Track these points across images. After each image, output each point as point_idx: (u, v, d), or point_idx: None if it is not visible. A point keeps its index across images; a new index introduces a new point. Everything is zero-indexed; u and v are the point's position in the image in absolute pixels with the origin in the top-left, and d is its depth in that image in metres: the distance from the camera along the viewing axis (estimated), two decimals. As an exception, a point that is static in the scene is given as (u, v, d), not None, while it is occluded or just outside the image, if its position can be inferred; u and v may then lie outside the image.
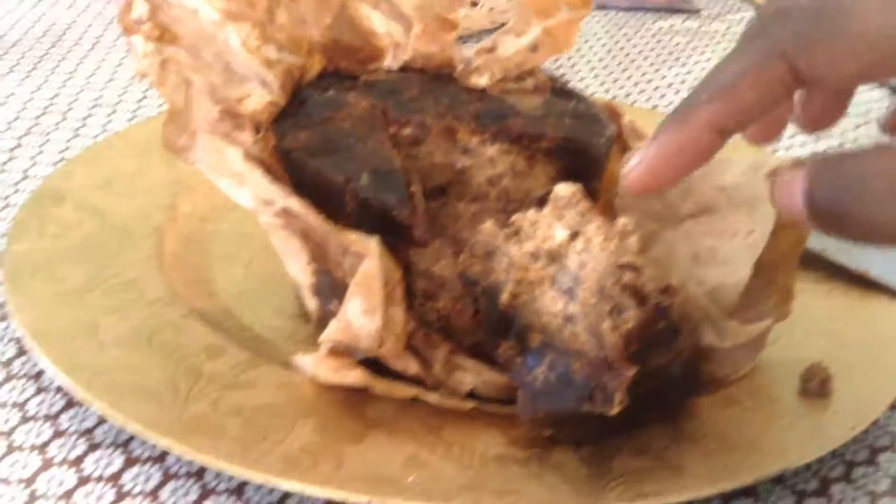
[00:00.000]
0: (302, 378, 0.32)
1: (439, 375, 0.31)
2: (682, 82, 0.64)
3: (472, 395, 0.32)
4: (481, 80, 0.38)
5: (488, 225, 0.31)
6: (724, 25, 0.75)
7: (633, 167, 0.26)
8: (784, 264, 0.35)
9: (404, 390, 0.31)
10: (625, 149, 0.38)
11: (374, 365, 0.31)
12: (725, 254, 0.35)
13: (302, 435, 0.29)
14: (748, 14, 0.77)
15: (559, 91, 0.38)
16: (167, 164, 0.43)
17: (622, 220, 0.30)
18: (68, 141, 0.48)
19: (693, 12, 0.77)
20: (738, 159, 0.36)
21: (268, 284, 0.38)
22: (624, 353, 0.28)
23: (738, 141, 0.52)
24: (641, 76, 0.65)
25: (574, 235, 0.30)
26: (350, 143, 0.33)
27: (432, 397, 0.31)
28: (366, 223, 0.31)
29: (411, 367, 0.31)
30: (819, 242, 0.42)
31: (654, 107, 0.60)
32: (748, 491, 0.31)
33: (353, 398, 0.31)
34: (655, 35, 0.73)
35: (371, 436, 0.30)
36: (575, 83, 0.63)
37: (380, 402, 0.31)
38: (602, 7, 0.77)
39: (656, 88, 0.63)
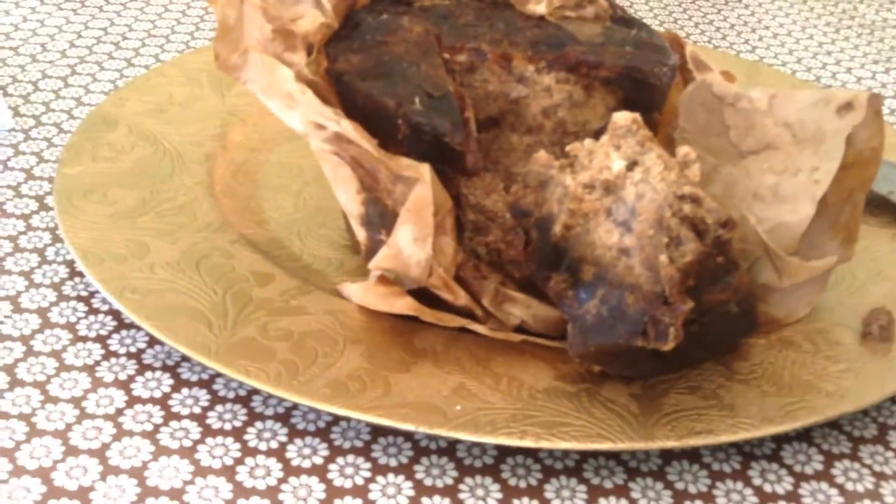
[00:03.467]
0: (350, 306, 0.32)
1: (488, 307, 0.31)
2: (745, 24, 0.62)
3: (520, 328, 0.31)
4: (539, 7, 0.36)
5: (542, 154, 0.31)
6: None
7: None
8: (849, 204, 0.34)
9: (453, 319, 0.30)
10: (687, 80, 0.37)
11: (422, 294, 0.31)
12: (787, 191, 0.33)
13: (350, 361, 0.29)
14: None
15: (620, 19, 0.37)
16: (218, 94, 0.43)
17: (683, 149, 0.29)
18: (121, 70, 0.48)
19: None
20: (804, 94, 0.35)
21: (316, 215, 0.37)
22: (681, 286, 0.28)
23: (795, 84, 0.50)
24: (703, 16, 0.63)
25: (632, 165, 0.29)
26: (403, 67, 0.32)
27: (481, 328, 0.30)
28: (418, 149, 0.30)
29: (460, 297, 0.31)
30: (886, 185, 0.40)
31: (715, 48, 0.58)
32: (802, 435, 0.30)
33: (401, 327, 0.31)
34: (718, -25, 0.70)
35: (418, 364, 0.29)
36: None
37: (427, 331, 0.31)
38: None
39: (718, 29, 0.61)
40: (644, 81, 0.34)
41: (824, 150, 0.33)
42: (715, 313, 0.29)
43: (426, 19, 0.35)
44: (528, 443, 0.27)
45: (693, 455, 0.29)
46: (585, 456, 0.29)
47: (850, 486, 0.29)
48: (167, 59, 0.49)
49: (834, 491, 0.29)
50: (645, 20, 0.61)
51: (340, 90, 0.32)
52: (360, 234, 0.34)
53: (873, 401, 0.29)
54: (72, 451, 0.28)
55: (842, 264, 0.34)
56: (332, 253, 0.36)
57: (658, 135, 0.36)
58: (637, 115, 0.29)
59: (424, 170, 0.29)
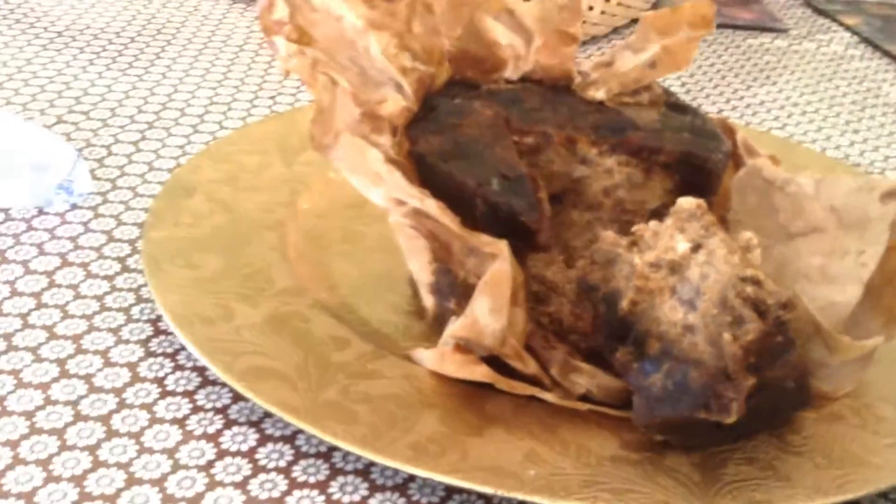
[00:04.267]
0: (423, 371, 0.33)
1: (556, 376, 0.33)
2: (774, 101, 0.65)
3: (585, 398, 0.33)
4: (598, 94, 0.39)
5: (609, 234, 0.33)
6: (814, 45, 0.75)
7: None
8: (891, 287, 0.36)
9: (523, 388, 0.32)
10: (738, 165, 0.39)
11: (492, 362, 0.33)
12: (835, 273, 0.36)
13: (428, 425, 0.31)
14: (838, 35, 0.77)
15: (674, 105, 0.39)
16: (286, 163, 0.45)
17: (746, 234, 0.31)
18: (188, 136, 0.51)
19: (782, 31, 0.77)
20: (849, 180, 0.37)
21: (382, 281, 0.39)
22: (743, 363, 0.29)
23: (828, 165, 0.52)
24: (733, 93, 0.66)
25: (696, 247, 0.31)
26: (479, 148, 0.34)
27: (549, 396, 0.32)
28: (494, 226, 0.33)
29: (530, 366, 0.32)
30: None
31: (748, 124, 0.61)
32: (852, 505, 0.32)
33: (473, 393, 0.33)
34: (745, 52, 0.73)
35: (490, 430, 0.31)
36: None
37: (498, 398, 0.33)
38: (693, 23, 0.78)
39: (748, 106, 0.64)
40: (701, 166, 0.36)
41: (869, 235, 0.36)
42: (773, 388, 0.31)
43: (496, 103, 0.37)
44: (600, 508, 0.28)
45: (750, 522, 0.31)
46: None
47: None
48: (230, 125, 0.52)
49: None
50: (680, 97, 0.64)
51: (421, 170, 0.34)
52: (429, 301, 0.36)
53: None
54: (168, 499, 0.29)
55: (887, 342, 0.36)
56: (398, 318, 0.38)
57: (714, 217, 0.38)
58: (702, 201, 0.32)
59: (503, 246, 0.31)
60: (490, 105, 0.37)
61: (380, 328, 0.37)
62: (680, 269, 0.31)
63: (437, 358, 0.33)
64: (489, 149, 0.34)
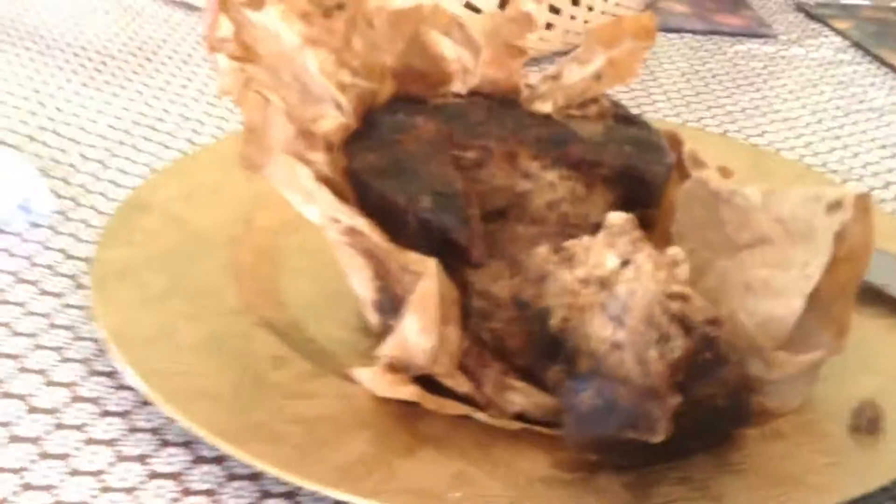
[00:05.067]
0: (361, 389, 0.33)
1: (490, 395, 0.33)
2: (756, 107, 0.64)
3: (520, 416, 0.33)
4: (545, 107, 0.39)
5: (542, 250, 0.33)
6: (803, 50, 0.74)
7: None
8: (841, 298, 0.35)
9: (455, 407, 0.32)
10: (684, 176, 0.39)
11: (427, 381, 0.33)
12: (779, 285, 0.35)
13: (358, 445, 0.31)
14: (828, 40, 0.76)
15: (622, 117, 0.39)
16: (247, 178, 0.45)
17: (672, 250, 0.31)
18: (156, 153, 0.51)
19: (771, 37, 0.76)
20: (797, 191, 0.36)
21: (333, 298, 0.39)
22: (669, 381, 0.29)
23: (799, 173, 0.51)
24: (715, 100, 0.65)
25: (625, 263, 0.31)
26: (415, 165, 0.34)
27: (482, 416, 0.32)
28: (426, 243, 0.32)
29: (463, 385, 0.32)
30: (881, 277, 0.42)
31: (725, 132, 0.60)
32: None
33: (407, 412, 0.33)
34: (732, 59, 0.72)
35: (422, 450, 0.31)
36: (647, 106, 0.63)
37: (433, 417, 0.32)
38: (678, 30, 0.77)
39: (728, 113, 0.63)
40: (641, 179, 0.36)
41: (815, 247, 0.35)
42: (704, 406, 0.31)
43: (440, 118, 0.37)
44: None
45: (684, 543, 0.31)
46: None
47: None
48: (201, 141, 0.52)
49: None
50: (660, 105, 0.64)
51: (356, 187, 0.34)
52: (374, 318, 0.36)
53: (856, 494, 0.30)
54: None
55: (834, 356, 0.36)
56: (346, 334, 0.38)
57: (657, 229, 0.38)
58: (630, 216, 0.31)
59: (431, 264, 0.31)
60: (433, 120, 0.37)
61: (325, 346, 0.37)
62: (609, 284, 0.31)
63: (371, 377, 0.33)
64: (425, 165, 0.34)
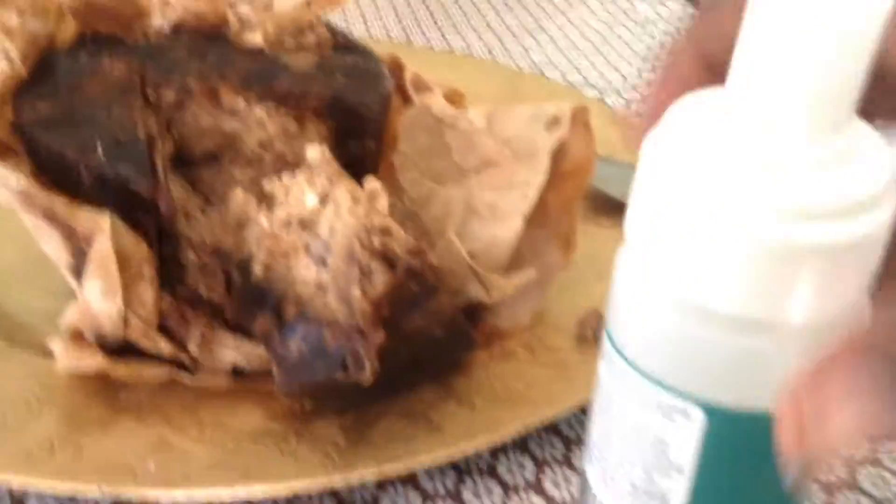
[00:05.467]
0: (55, 365, 0.30)
1: (196, 354, 0.30)
2: (524, 27, 0.63)
3: (237, 371, 0.31)
4: (256, 38, 0.36)
5: (238, 193, 0.30)
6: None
7: (637, 122, 0.21)
8: (567, 213, 0.35)
9: (153, 373, 0.30)
10: (408, 103, 0.37)
11: (130, 348, 0.30)
12: (504, 207, 0.34)
13: (44, 426, 0.28)
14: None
15: (341, 46, 0.37)
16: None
17: (371, 183, 0.29)
18: None
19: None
20: (520, 110, 0.35)
21: (39, 262, 0.36)
22: (374, 318, 0.28)
23: (554, 91, 0.51)
24: (483, 23, 0.64)
25: (324, 200, 0.29)
26: (93, 112, 0.31)
27: (184, 377, 0.30)
28: (107, 199, 0.29)
29: (164, 348, 0.30)
30: (620, 187, 0.42)
31: (492, 54, 0.59)
32: (519, 443, 0.31)
33: (108, 384, 0.30)
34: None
35: (118, 422, 0.28)
36: (413, 33, 0.61)
37: (135, 386, 0.30)
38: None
39: (497, 35, 0.62)
40: (354, 110, 0.34)
41: (536, 165, 0.34)
42: (419, 338, 0.29)
43: (132, 58, 0.34)
44: (219, 492, 0.26)
45: (409, 480, 0.30)
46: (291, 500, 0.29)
47: (556, 494, 0.29)
48: None
49: (540, 499, 0.29)
50: (428, 29, 0.62)
51: (26, 143, 0.30)
52: (73, 284, 0.33)
53: (575, 403, 0.30)
54: None
55: (566, 269, 0.35)
56: (48, 303, 0.34)
57: (383, 160, 0.36)
58: (325, 149, 0.29)
59: (103, 221, 0.28)
60: (123, 61, 0.33)
61: (24, 318, 0.33)
62: (311, 225, 0.29)
63: (62, 350, 0.30)
64: (106, 111, 0.31)
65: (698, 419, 0.20)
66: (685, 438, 0.20)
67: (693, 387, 0.20)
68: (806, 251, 0.17)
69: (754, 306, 0.18)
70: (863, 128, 0.19)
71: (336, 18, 0.63)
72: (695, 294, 0.18)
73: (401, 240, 0.28)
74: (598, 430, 0.22)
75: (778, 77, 0.17)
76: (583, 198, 0.35)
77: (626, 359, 0.21)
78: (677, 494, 0.21)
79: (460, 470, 0.30)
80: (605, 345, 0.22)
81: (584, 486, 0.23)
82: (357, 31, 0.61)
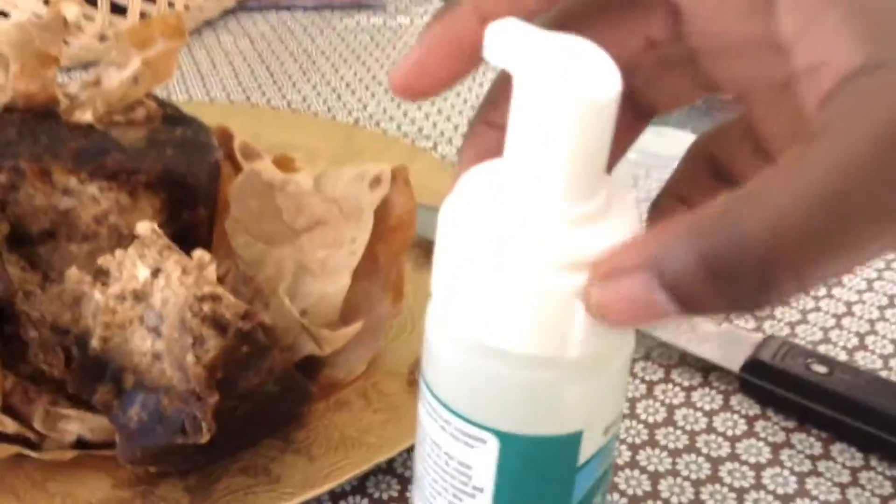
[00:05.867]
0: None
1: (41, 429, 0.31)
2: (360, 80, 0.66)
3: (82, 443, 0.32)
4: (86, 115, 0.37)
5: (73, 271, 0.32)
6: (408, 19, 0.78)
7: (398, 66, 0.22)
8: (395, 265, 0.38)
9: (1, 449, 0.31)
10: (238, 169, 0.39)
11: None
12: (334, 264, 0.37)
13: None
14: (433, 6, 0.81)
15: (170, 118, 0.39)
16: None
17: (198, 253, 0.31)
18: None
19: (379, 7, 0.79)
20: (345, 170, 0.38)
21: None
22: (209, 381, 0.30)
23: (387, 144, 0.54)
24: (321, 78, 0.66)
25: (156, 273, 0.31)
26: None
27: (32, 453, 0.31)
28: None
29: (9, 426, 0.31)
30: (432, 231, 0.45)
31: (330, 109, 0.62)
32: (357, 486, 0.33)
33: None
34: (340, 34, 0.74)
35: (-36, 502, 0.29)
36: (252, 91, 0.63)
37: (-18, 463, 0.31)
38: (288, 8, 0.78)
39: (334, 90, 0.65)
40: (183, 181, 0.36)
41: (362, 223, 0.37)
42: (256, 395, 0.31)
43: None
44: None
45: (255, 530, 0.31)
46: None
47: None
48: None
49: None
50: (267, 87, 0.64)
51: None
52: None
53: (407, 445, 0.33)
54: None
55: (398, 317, 0.38)
56: None
57: (217, 227, 0.38)
58: (154, 225, 0.31)
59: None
60: (-49, 147, 0.34)
61: None
62: (144, 296, 0.31)
63: None
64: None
65: (494, 445, 0.23)
66: (485, 463, 0.23)
67: (489, 417, 0.23)
68: (575, 296, 0.21)
69: (539, 345, 0.21)
70: (613, 186, 0.22)
71: (174, 79, 0.64)
72: (489, 337, 0.21)
73: (230, 305, 0.30)
74: (419, 463, 0.25)
75: (538, 149, 0.20)
76: (412, 247, 0.38)
77: (435, 396, 0.23)
78: (481, 513, 0.24)
79: (304, 516, 0.32)
80: (421, 385, 0.24)
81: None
82: (195, 92, 0.63)
